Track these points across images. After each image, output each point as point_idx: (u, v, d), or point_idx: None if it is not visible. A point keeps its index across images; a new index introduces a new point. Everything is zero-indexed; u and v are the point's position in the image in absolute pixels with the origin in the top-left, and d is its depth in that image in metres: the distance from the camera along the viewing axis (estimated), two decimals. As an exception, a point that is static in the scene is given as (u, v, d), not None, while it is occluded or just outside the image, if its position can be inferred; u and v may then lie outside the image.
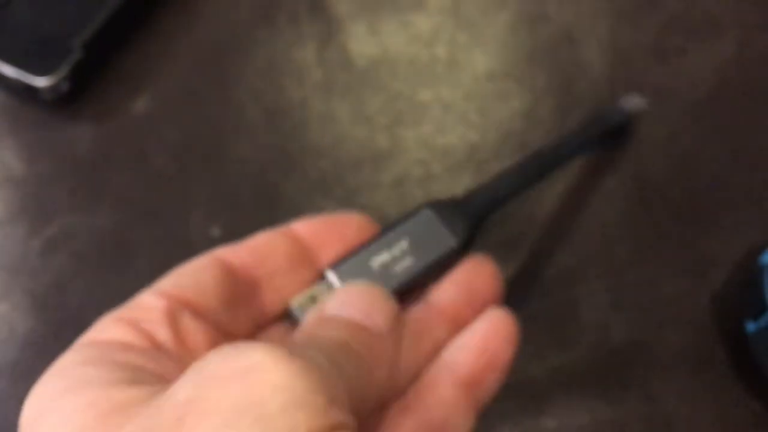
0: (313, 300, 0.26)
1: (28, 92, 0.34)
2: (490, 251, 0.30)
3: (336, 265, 0.27)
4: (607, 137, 0.33)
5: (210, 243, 0.31)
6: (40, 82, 0.34)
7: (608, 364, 0.30)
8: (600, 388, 0.30)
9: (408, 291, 0.27)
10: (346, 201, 0.34)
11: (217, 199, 0.34)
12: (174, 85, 0.36)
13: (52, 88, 0.34)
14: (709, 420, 0.29)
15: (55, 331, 0.31)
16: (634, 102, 0.34)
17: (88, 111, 0.35)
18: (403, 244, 0.27)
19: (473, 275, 0.26)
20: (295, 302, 0.27)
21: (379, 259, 0.27)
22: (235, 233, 0.31)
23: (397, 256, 0.27)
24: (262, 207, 0.33)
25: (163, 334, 0.21)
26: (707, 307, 0.31)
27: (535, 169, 0.30)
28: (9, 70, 0.34)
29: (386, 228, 0.27)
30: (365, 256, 0.27)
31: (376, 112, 0.36)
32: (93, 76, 0.36)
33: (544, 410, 0.29)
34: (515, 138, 0.35)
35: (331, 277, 0.27)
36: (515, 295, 0.31)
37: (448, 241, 0.27)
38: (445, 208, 0.28)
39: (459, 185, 0.34)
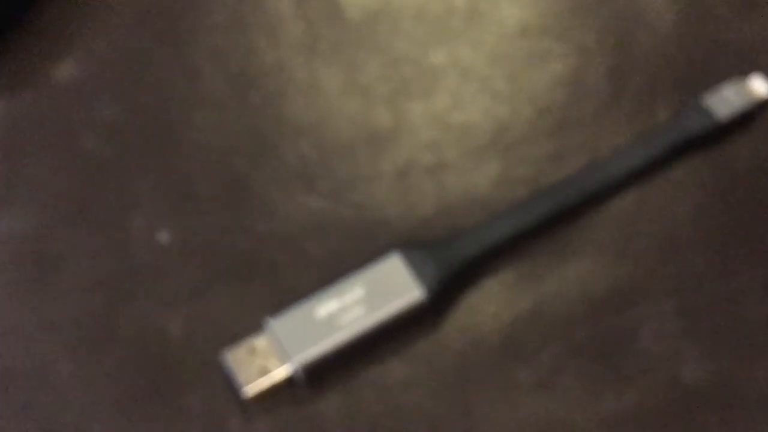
0: (252, 352, 0.29)
1: None
2: (525, 264, 0.30)
3: (277, 313, 0.30)
4: (689, 147, 0.34)
5: (157, 252, 0.32)
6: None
7: (679, 408, 0.30)
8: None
9: (356, 346, 0.30)
10: (335, 197, 0.33)
11: (166, 193, 0.34)
12: (109, 44, 0.36)
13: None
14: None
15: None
16: (752, 88, 0.34)
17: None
18: (357, 292, 0.30)
19: None
20: (231, 355, 0.29)
21: (327, 308, 0.30)
22: (189, 239, 0.32)
23: (348, 306, 0.30)
24: (225, 205, 0.33)
25: None
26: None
27: (556, 201, 0.32)
28: None
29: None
30: (312, 303, 0.30)
31: (374, 79, 0.36)
32: (2, 33, 0.36)
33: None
34: (555, 113, 0.35)
35: (272, 326, 0.30)
36: (557, 320, 0.31)
37: (414, 291, 0.30)
38: (419, 251, 0.31)
39: (482, 176, 0.34)
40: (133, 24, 0.36)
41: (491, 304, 0.32)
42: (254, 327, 0.31)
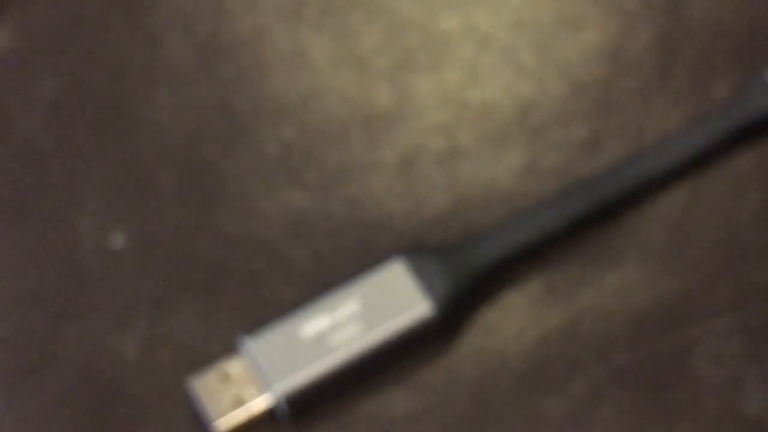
0: (225, 379, 0.30)
1: None
2: (555, 274, 0.31)
3: (255, 331, 0.30)
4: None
5: (108, 258, 0.32)
6: None
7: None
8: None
9: (351, 372, 0.30)
10: (325, 192, 0.34)
11: (120, 188, 0.34)
12: (50, 7, 0.37)
13: None
14: None
15: None
16: None
17: None
18: (352, 306, 0.31)
19: None
20: (199, 382, 0.30)
21: (315, 326, 0.30)
22: (147, 243, 0.33)
23: (341, 323, 0.30)
24: (191, 201, 0.34)
25: None
26: None
27: (589, 200, 0.33)
28: None
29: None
30: (297, 320, 0.30)
31: (372, 50, 0.36)
32: None
33: None
34: (591, 91, 0.35)
35: (249, 347, 0.30)
36: (593, 341, 0.32)
37: (420, 305, 0.30)
38: (427, 258, 0.31)
39: (503, 166, 0.34)
40: (81, -17, 0.37)
41: (514, 321, 0.32)
42: (227, 349, 0.31)
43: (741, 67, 0.36)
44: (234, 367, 0.31)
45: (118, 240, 0.33)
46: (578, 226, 0.33)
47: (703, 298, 0.32)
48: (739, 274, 0.33)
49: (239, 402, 0.30)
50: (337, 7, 0.37)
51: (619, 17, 0.36)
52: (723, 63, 0.36)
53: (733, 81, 0.35)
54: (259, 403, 0.30)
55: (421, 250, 0.32)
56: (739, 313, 0.32)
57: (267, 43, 0.36)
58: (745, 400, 0.31)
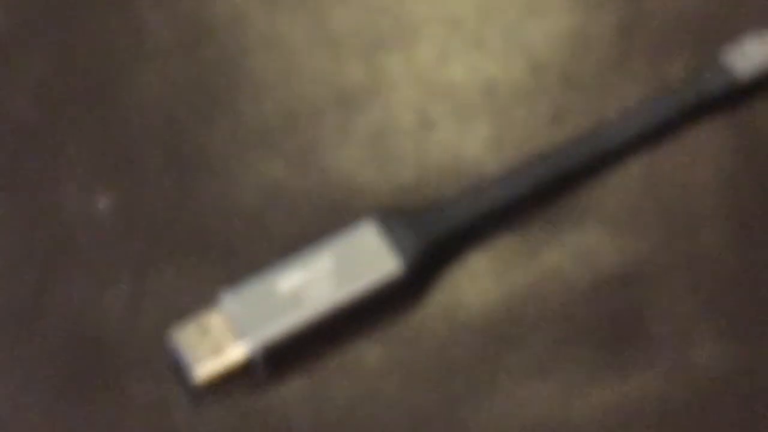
0: (205, 332, 0.30)
1: None
2: (519, 237, 0.32)
3: (234, 286, 0.31)
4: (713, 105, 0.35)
5: (94, 223, 0.33)
6: None
7: (691, 395, 0.31)
8: (679, 429, 0.31)
9: (322, 326, 0.31)
10: (301, 162, 0.35)
11: (105, 158, 0.35)
12: None
13: None
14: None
15: None
16: None
17: None
18: (326, 263, 0.31)
19: None
20: (180, 334, 0.31)
21: (290, 282, 0.31)
22: (131, 209, 0.33)
23: (315, 279, 0.31)
24: (173, 171, 0.35)
25: None
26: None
27: (554, 167, 0.34)
28: None
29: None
30: (272, 276, 0.31)
31: (346, 31, 0.37)
32: None
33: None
34: (555, 71, 0.36)
35: (227, 300, 0.31)
36: (554, 299, 0.33)
37: (391, 263, 0.31)
38: (397, 220, 0.32)
39: (470, 139, 0.35)
40: (68, -34, 0.37)
41: (479, 281, 0.33)
42: (207, 305, 0.32)
43: (695, 50, 0.36)
44: (213, 319, 0.31)
45: (104, 205, 0.34)
46: (541, 192, 0.34)
47: (657, 260, 0.33)
48: (692, 237, 0.34)
49: (218, 351, 0.31)
50: (314, -11, 0.37)
51: (582, 4, 0.37)
52: (678, 46, 0.37)
53: (687, 63, 0.36)
54: (236, 353, 0.31)
55: (391, 213, 0.33)
56: (692, 274, 0.33)
57: (245, 24, 0.37)
58: (695, 355, 0.32)
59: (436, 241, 0.33)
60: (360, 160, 0.35)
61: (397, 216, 0.33)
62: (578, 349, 0.32)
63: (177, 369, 0.31)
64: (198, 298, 0.32)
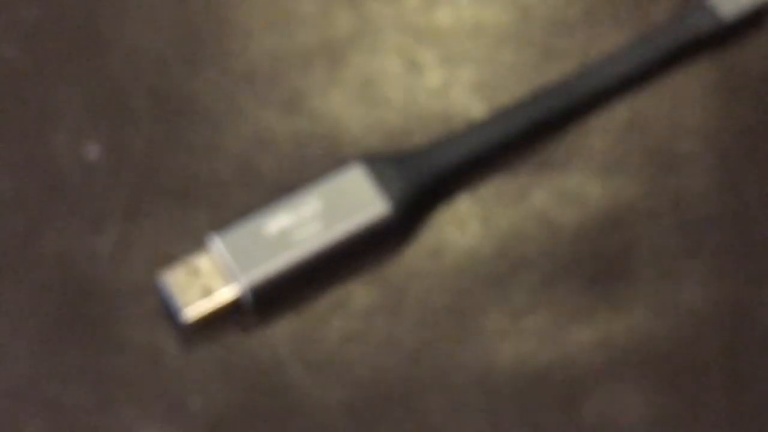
0: (195, 273, 0.31)
1: None
2: (505, 179, 0.33)
3: (222, 228, 0.31)
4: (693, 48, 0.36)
5: (83, 168, 0.33)
6: None
7: (677, 334, 0.32)
8: (665, 368, 0.31)
9: (310, 267, 0.31)
10: (290, 107, 0.35)
11: (94, 104, 0.35)
12: None
13: None
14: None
15: None
16: None
17: None
18: (314, 205, 0.32)
19: None
20: (169, 276, 0.31)
21: (278, 223, 0.31)
22: (121, 152, 0.34)
23: (303, 221, 0.31)
24: (163, 114, 0.35)
25: None
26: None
27: (541, 110, 0.34)
28: None
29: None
30: (261, 218, 0.31)
31: None
32: None
33: (582, 399, 0.31)
34: (542, 14, 0.37)
35: (216, 243, 0.31)
36: (541, 240, 0.33)
37: (378, 205, 0.31)
38: (385, 162, 0.32)
39: (458, 83, 0.35)
40: None
41: (466, 222, 0.34)
42: (196, 249, 0.33)
43: None
44: (203, 261, 0.32)
45: (92, 151, 0.34)
46: (528, 135, 0.34)
47: (643, 201, 0.34)
48: (677, 179, 0.34)
49: (207, 293, 0.31)
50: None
51: None
52: None
53: (673, 5, 0.37)
54: (225, 294, 0.32)
55: (379, 157, 0.33)
56: (678, 215, 0.34)
57: None
58: (681, 294, 0.33)
59: (424, 184, 0.33)
60: (348, 105, 0.35)
61: (384, 160, 0.33)
62: (565, 289, 0.33)
63: (167, 311, 0.32)
64: (187, 242, 0.33)
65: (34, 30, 0.36)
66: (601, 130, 0.35)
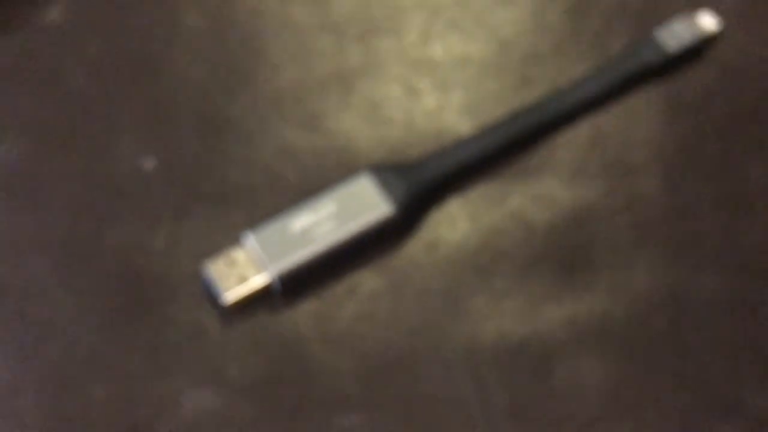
0: (232, 264, 0.31)
1: None
2: (489, 185, 0.33)
3: (255, 227, 0.31)
4: (643, 76, 0.36)
5: (140, 176, 0.34)
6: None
7: (630, 312, 0.32)
8: (620, 340, 0.32)
9: (328, 258, 0.31)
10: (309, 126, 0.35)
11: (150, 123, 0.35)
12: None
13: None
14: (756, 373, 0.31)
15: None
16: (701, 23, 0.36)
17: (-11, 20, 0.37)
18: (330, 207, 0.32)
19: None
20: (211, 266, 0.31)
21: (301, 222, 0.31)
22: (172, 163, 0.34)
23: (321, 221, 0.31)
24: (206, 132, 0.35)
25: None
26: (750, 245, 0.33)
27: (518, 127, 0.34)
28: None
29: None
30: (287, 218, 0.31)
31: (346, 18, 0.37)
32: None
33: (553, 366, 0.31)
34: (517, 47, 0.37)
35: (250, 239, 0.31)
36: (518, 234, 0.33)
37: (383, 207, 0.31)
38: (389, 172, 0.32)
39: (449, 105, 0.36)
40: (117, -31, 0.38)
41: (456, 221, 0.34)
42: (233, 244, 0.33)
43: (634, 29, 0.37)
44: (239, 254, 0.32)
45: (148, 163, 0.35)
46: (507, 148, 0.34)
47: (602, 202, 0.34)
48: (630, 184, 0.34)
49: (242, 280, 0.32)
50: (318, -16, 0.38)
51: None
52: (619, 27, 0.37)
53: (628, 40, 0.37)
54: (258, 281, 0.32)
55: (383, 167, 0.33)
56: (631, 214, 0.34)
57: (263, 14, 0.37)
58: (633, 279, 0.33)
59: (421, 189, 0.33)
60: (357, 125, 0.35)
61: (388, 169, 0.33)
62: (538, 275, 0.33)
63: (209, 295, 0.32)
64: (226, 238, 0.33)
65: (98, 63, 0.36)
66: (567, 144, 0.35)
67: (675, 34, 0.36)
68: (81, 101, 0.36)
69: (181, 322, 0.32)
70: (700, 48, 0.36)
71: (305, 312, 0.32)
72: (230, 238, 0.33)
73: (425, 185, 0.33)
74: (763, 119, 0.35)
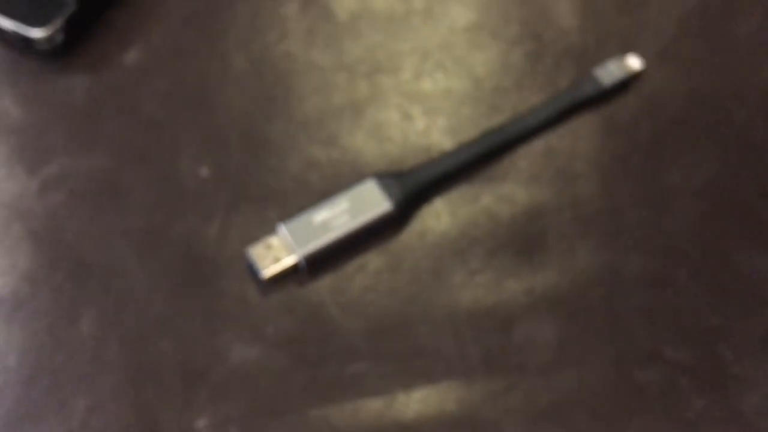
0: (269, 248, 0.31)
1: (24, 44, 0.36)
2: (465, 188, 0.33)
3: (286, 219, 0.32)
4: (584, 104, 0.36)
5: (199, 182, 0.34)
6: (36, 33, 0.36)
7: (573, 285, 0.32)
8: (567, 307, 0.32)
9: (342, 243, 0.31)
10: (328, 143, 0.35)
11: (205, 142, 0.35)
12: (163, 37, 0.38)
13: (47, 40, 0.36)
14: (671, 332, 0.31)
15: (53, 265, 0.33)
16: (629, 63, 0.36)
17: (82, 62, 0.37)
18: (344, 205, 0.32)
19: None
20: (253, 249, 0.31)
21: (321, 216, 0.31)
22: (223, 172, 0.34)
23: (337, 215, 0.31)
24: (249, 148, 0.35)
25: None
26: (667, 234, 0.33)
27: (488, 143, 0.34)
28: (6, 23, 0.36)
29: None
30: (311, 213, 0.31)
31: (356, 61, 0.38)
32: (86, 28, 0.38)
33: (513, 326, 0.32)
34: (488, 82, 0.37)
35: (282, 229, 0.31)
36: (487, 226, 0.33)
37: (384, 205, 0.32)
38: (389, 179, 0.33)
39: (435, 127, 0.36)
40: (181, 23, 0.38)
41: (440, 216, 0.34)
42: (270, 232, 0.33)
43: (578, 68, 0.37)
44: (274, 240, 0.32)
45: (204, 172, 0.35)
46: (479, 160, 0.35)
47: (552, 202, 0.34)
48: (575, 187, 0.34)
49: (276, 260, 0.32)
50: (335, 37, 0.38)
51: (506, 42, 0.38)
52: (567, 66, 0.37)
53: (573, 76, 0.37)
54: (288, 261, 0.32)
55: (385, 174, 0.33)
56: (574, 210, 0.34)
57: (293, 57, 0.38)
58: (577, 260, 0.33)
59: (413, 191, 0.33)
60: (365, 142, 0.35)
61: (389, 176, 0.33)
62: (503, 256, 0.33)
63: (251, 272, 0.32)
64: (264, 228, 0.33)
65: (166, 95, 0.37)
66: (526, 156, 0.35)
67: (609, 72, 0.36)
68: (152, 124, 0.36)
69: (229, 293, 0.32)
70: (628, 83, 0.37)
71: (325, 285, 0.32)
72: (267, 229, 0.33)
73: (417, 188, 0.33)
74: (677, 138, 0.36)
